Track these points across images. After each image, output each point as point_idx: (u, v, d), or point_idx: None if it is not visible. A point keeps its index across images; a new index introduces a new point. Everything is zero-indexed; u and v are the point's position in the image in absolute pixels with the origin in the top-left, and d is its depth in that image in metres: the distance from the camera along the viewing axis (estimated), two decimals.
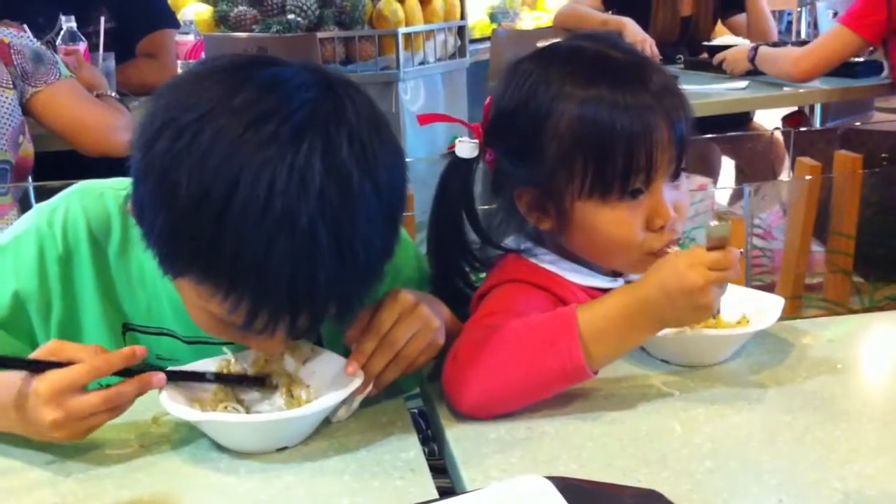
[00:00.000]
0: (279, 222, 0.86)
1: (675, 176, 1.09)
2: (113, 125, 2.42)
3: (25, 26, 2.58)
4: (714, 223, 1.03)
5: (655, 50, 3.38)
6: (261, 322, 0.91)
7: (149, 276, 1.10)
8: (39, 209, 1.13)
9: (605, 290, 1.12)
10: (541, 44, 1.18)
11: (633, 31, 3.42)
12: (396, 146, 0.96)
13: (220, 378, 1.03)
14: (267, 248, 0.86)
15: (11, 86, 2.25)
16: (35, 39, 2.36)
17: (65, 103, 2.35)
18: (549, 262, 1.15)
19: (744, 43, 3.36)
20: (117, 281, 1.12)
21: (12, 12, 2.78)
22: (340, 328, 1.03)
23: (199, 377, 1.02)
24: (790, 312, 2.11)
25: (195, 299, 0.95)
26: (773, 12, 3.74)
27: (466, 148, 1.13)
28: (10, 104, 2.25)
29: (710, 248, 1.01)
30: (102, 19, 2.81)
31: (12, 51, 2.26)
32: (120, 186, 1.12)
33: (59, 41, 2.72)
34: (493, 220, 1.19)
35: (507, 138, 1.11)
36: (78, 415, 0.93)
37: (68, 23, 2.70)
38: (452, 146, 1.14)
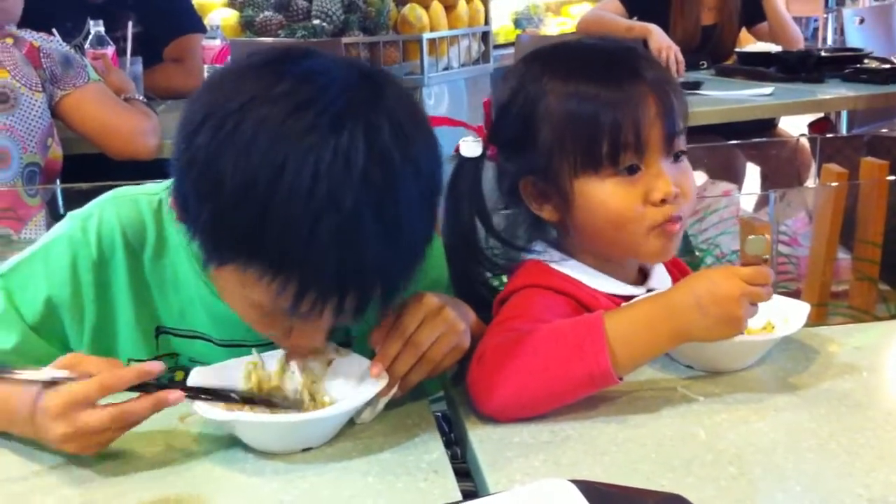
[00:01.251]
0: (325, 204, 0.87)
1: (676, 156, 1.11)
2: (141, 129, 2.44)
3: (55, 30, 2.61)
4: (752, 237, 1.05)
5: (681, 56, 3.38)
6: (307, 303, 0.92)
7: (183, 280, 1.11)
8: (72, 217, 1.14)
9: (626, 298, 1.13)
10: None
11: (658, 38, 3.42)
12: (431, 131, 0.98)
13: (243, 399, 1.02)
14: (313, 229, 0.87)
15: (41, 89, 2.28)
16: (64, 43, 2.39)
17: (93, 107, 2.38)
18: (570, 268, 1.15)
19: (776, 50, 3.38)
20: (152, 285, 1.13)
21: (41, 18, 2.81)
22: (379, 316, 1.04)
23: (218, 395, 1.01)
24: (816, 320, 2.10)
25: (240, 289, 0.96)
26: (800, 19, 3.72)
27: (470, 147, 1.16)
28: (39, 107, 2.28)
29: (745, 263, 1.02)
30: (130, 24, 2.84)
31: (42, 54, 2.29)
32: (152, 192, 1.13)
33: (87, 45, 2.75)
34: (512, 226, 1.20)
35: (505, 131, 1.15)
36: (87, 430, 0.93)
37: (96, 27, 2.74)
38: (458, 147, 1.17)
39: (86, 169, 2.39)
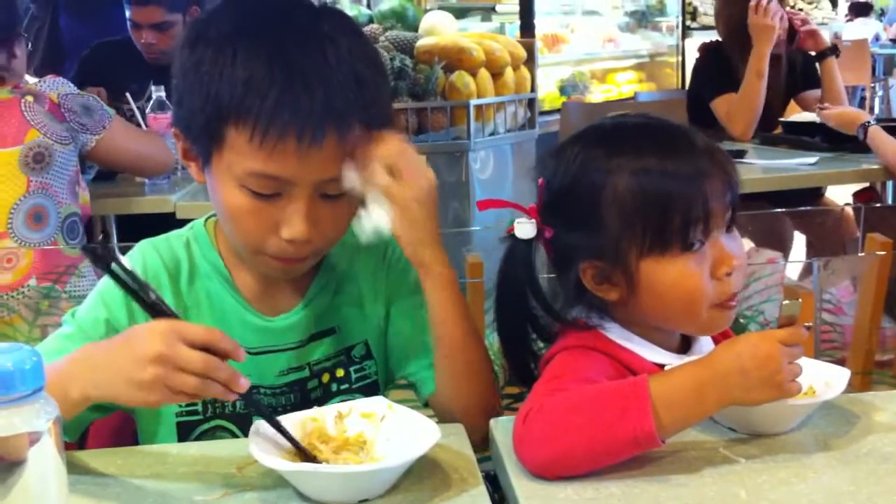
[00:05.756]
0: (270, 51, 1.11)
1: (729, 227, 1.14)
2: (161, 147, 2.68)
3: (128, 95, 2.76)
4: (787, 302, 1.08)
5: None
6: (279, 125, 1.08)
7: (215, 297, 1.26)
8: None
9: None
10: (612, 114, 1.25)
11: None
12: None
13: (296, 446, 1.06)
14: (267, 73, 1.10)
15: (70, 141, 2.38)
16: (73, 86, 2.49)
17: (124, 142, 2.57)
18: (616, 335, 1.18)
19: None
20: (190, 308, 1.25)
21: (108, 80, 2.94)
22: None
23: (278, 427, 1.06)
24: (860, 388, 2.10)
25: (231, 176, 1.12)
26: (847, 87, 3.74)
27: (526, 229, 1.18)
28: (69, 159, 2.39)
29: (781, 325, 1.05)
30: None
31: (63, 109, 2.38)
32: (180, 233, 1.31)
33: (148, 109, 2.86)
34: (559, 291, 1.22)
35: (566, 215, 1.16)
36: (177, 360, 0.99)
37: (158, 92, 2.85)
38: (511, 229, 1.19)
39: (144, 228, 2.48)
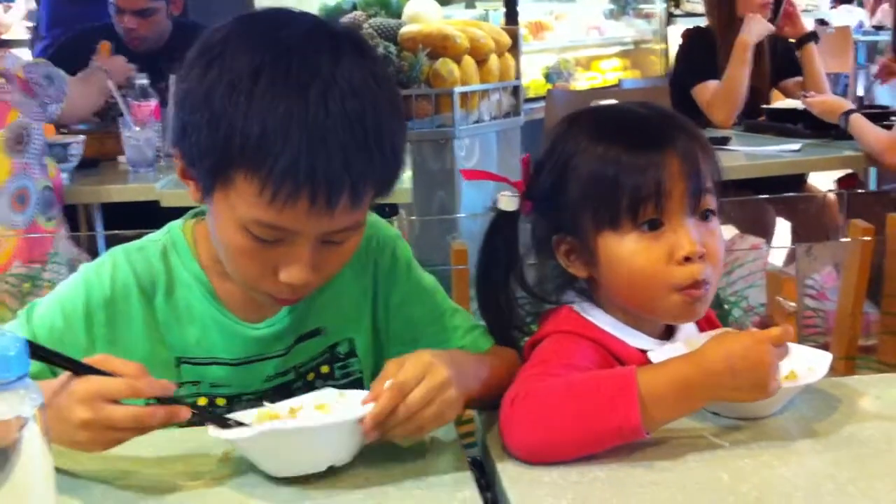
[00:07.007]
0: (293, 96, 1.02)
1: (703, 216, 1.14)
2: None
3: (111, 83, 2.77)
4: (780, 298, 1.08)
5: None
6: (287, 189, 1.01)
7: (196, 309, 1.21)
8: (86, 266, 1.23)
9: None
10: (594, 103, 1.26)
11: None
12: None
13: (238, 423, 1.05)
14: (285, 122, 1.01)
15: (42, 115, 2.42)
16: (30, 57, 2.53)
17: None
18: (599, 319, 1.19)
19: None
20: (167, 322, 1.21)
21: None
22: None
23: (226, 422, 1.05)
24: (844, 373, 2.11)
25: (232, 215, 1.06)
26: (830, 75, 3.76)
27: (508, 201, 1.20)
28: (40, 133, 2.41)
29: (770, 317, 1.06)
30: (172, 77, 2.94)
31: (31, 83, 2.40)
32: (156, 238, 1.25)
33: (130, 98, 2.85)
34: (546, 274, 1.24)
35: (539, 187, 1.19)
36: (106, 422, 0.98)
37: (140, 80, 2.84)
38: (496, 201, 1.22)
39: (129, 216, 2.48)
